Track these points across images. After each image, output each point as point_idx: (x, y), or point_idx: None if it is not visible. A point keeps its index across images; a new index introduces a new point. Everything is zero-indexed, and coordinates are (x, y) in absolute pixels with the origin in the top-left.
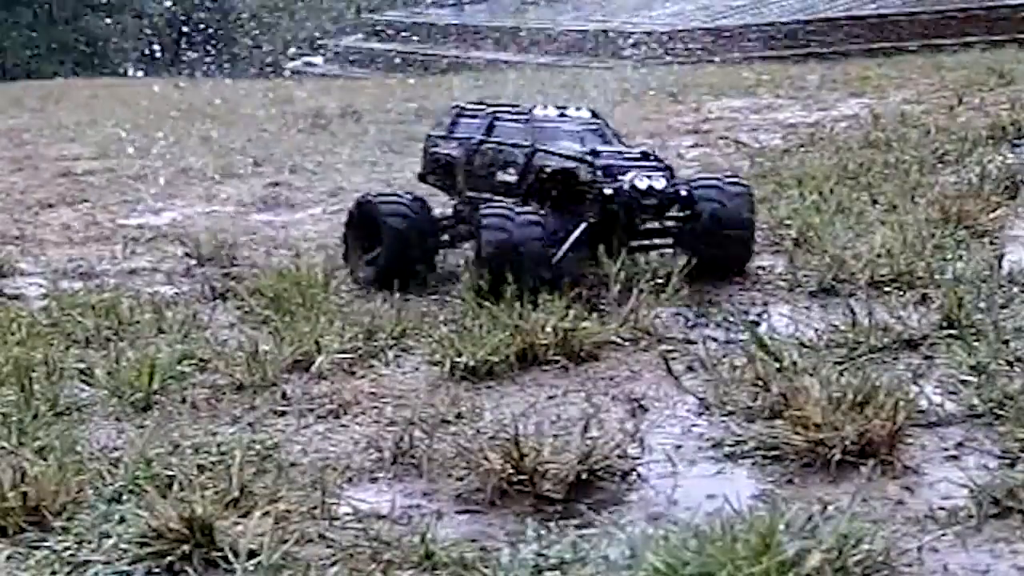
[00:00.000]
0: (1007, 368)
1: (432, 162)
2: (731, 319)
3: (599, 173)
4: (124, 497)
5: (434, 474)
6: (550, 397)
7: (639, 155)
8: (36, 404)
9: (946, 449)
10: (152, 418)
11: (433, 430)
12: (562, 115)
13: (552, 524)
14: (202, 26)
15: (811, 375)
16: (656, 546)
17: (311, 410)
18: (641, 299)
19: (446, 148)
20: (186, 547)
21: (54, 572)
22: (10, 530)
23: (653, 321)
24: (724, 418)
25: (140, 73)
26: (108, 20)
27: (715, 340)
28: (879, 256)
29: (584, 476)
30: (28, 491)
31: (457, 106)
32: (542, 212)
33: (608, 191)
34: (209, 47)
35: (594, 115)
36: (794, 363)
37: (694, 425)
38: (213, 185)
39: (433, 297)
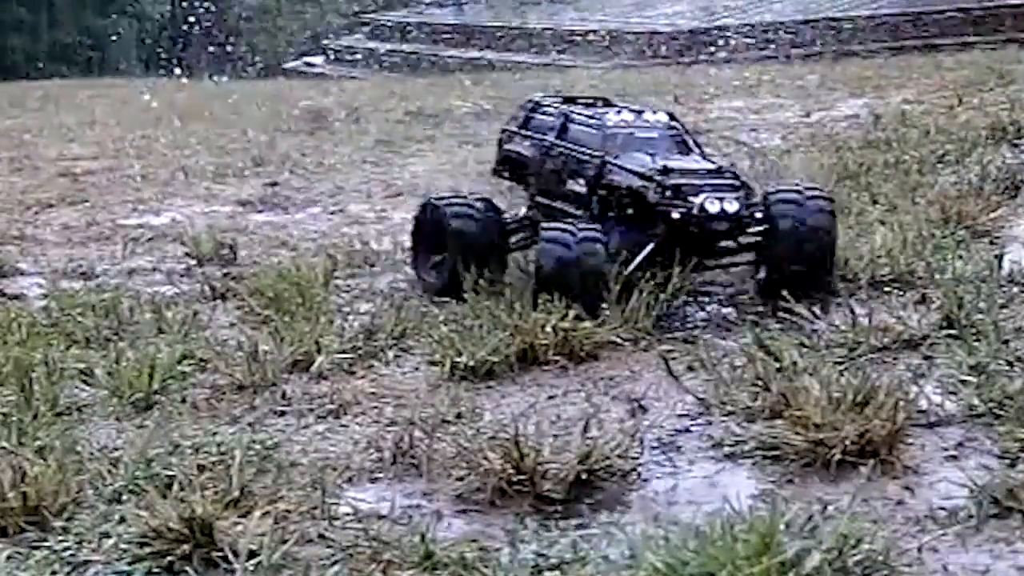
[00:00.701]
0: (1007, 368)
1: (505, 158)
2: (732, 320)
3: (667, 194)
4: (124, 497)
5: (434, 474)
6: (550, 397)
7: (714, 170)
8: (36, 404)
9: (946, 449)
10: (152, 418)
11: (433, 430)
12: (637, 119)
13: (552, 524)
14: (202, 26)
15: (811, 375)
16: (656, 546)
17: (311, 410)
18: (641, 300)
19: (519, 146)
20: (186, 547)
21: (54, 572)
22: (10, 530)
23: (649, 320)
24: (724, 418)
25: (140, 73)
26: (108, 20)
27: (718, 339)
28: (879, 256)
29: (584, 476)
30: (28, 491)
31: (532, 99)
32: (607, 228)
33: (676, 215)
34: (209, 47)
35: (671, 118)
36: (794, 363)
37: (694, 425)
38: (213, 185)
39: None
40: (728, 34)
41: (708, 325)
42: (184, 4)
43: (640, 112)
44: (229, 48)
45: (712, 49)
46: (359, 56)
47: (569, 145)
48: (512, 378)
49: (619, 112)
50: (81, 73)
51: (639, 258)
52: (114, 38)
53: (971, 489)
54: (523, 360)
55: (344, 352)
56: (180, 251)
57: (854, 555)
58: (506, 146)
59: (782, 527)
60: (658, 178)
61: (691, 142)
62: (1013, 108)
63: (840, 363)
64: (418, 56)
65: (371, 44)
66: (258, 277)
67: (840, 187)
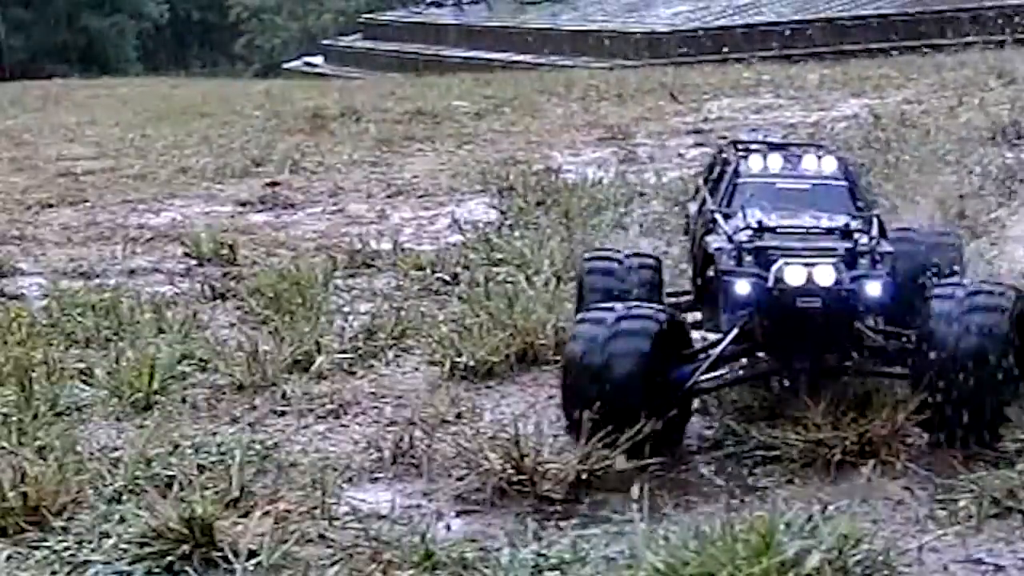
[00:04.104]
0: None
1: (685, 219)
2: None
3: (746, 260)
4: (124, 497)
5: (434, 474)
6: (550, 397)
7: (831, 230)
8: (36, 404)
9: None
10: (152, 418)
11: (433, 430)
12: (786, 167)
13: (552, 524)
14: (201, 26)
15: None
16: (656, 546)
17: (311, 410)
18: None
19: (690, 201)
20: (186, 547)
21: (54, 572)
22: (10, 530)
23: None
24: (724, 418)
25: (140, 73)
26: (108, 20)
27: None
28: None
29: (584, 476)
30: (28, 491)
31: (731, 141)
32: (706, 313)
33: (740, 286)
34: (208, 47)
35: (843, 167)
36: None
37: (694, 425)
38: (213, 185)
39: None
40: (728, 34)
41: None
42: (184, 3)
43: (799, 158)
44: (229, 48)
45: (712, 49)
46: (359, 56)
47: (706, 199)
48: (512, 378)
49: (766, 157)
50: (81, 73)
51: (710, 359)
52: (114, 38)
53: (971, 489)
54: (523, 360)
55: (344, 352)
56: (180, 251)
57: (854, 555)
58: (688, 202)
59: (782, 527)
60: (737, 238)
61: (863, 197)
62: (1013, 108)
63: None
64: (418, 56)
65: (371, 44)
66: (258, 277)
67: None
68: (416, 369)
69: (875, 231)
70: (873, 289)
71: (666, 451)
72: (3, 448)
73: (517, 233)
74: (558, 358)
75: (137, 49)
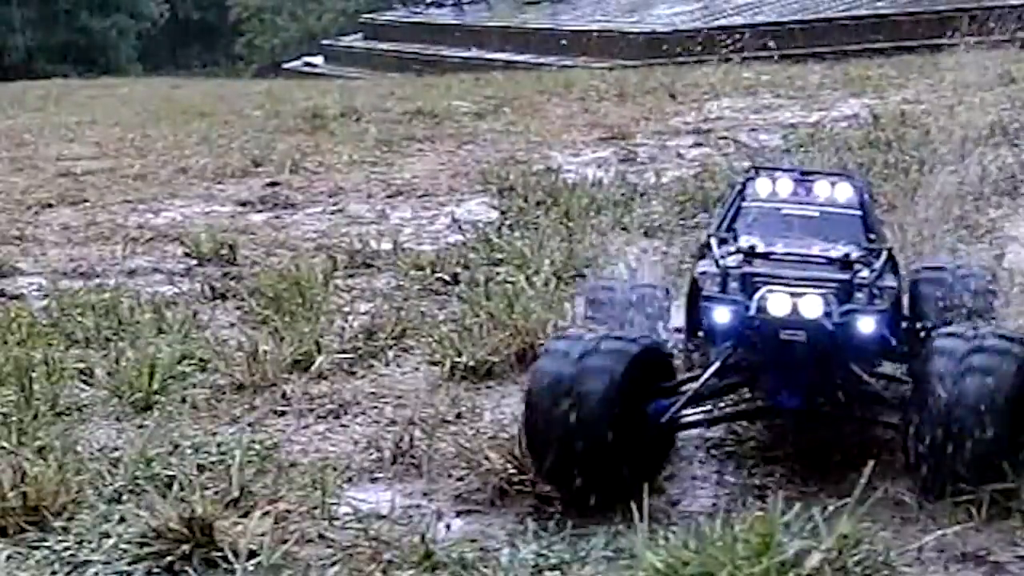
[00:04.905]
0: None
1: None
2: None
3: (731, 284)
4: (124, 497)
5: (434, 474)
6: None
7: (830, 260)
8: (36, 404)
9: None
10: (152, 418)
11: (433, 430)
12: (796, 193)
13: (552, 524)
14: (201, 26)
15: None
16: (656, 546)
17: (311, 410)
18: None
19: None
20: (186, 547)
21: (54, 572)
22: (10, 530)
23: None
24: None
25: (140, 73)
26: (107, 20)
27: None
28: None
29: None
30: (28, 491)
31: (753, 168)
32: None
33: (719, 314)
34: (208, 47)
35: (861, 194)
36: None
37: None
38: (212, 185)
39: None
40: (728, 34)
41: None
42: (183, 3)
43: (811, 183)
44: (229, 47)
45: (712, 49)
46: (359, 56)
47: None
48: (512, 378)
49: (775, 181)
50: (81, 73)
51: (686, 395)
52: (113, 38)
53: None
54: (523, 360)
55: (344, 352)
56: (180, 251)
57: (854, 555)
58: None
59: (782, 527)
60: (724, 263)
61: (877, 229)
62: (1013, 108)
63: None
64: (418, 56)
65: (371, 44)
66: (258, 277)
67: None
68: (416, 369)
69: (879, 263)
70: (866, 325)
71: (639, 489)
72: (3, 448)
73: (517, 233)
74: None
75: (137, 49)
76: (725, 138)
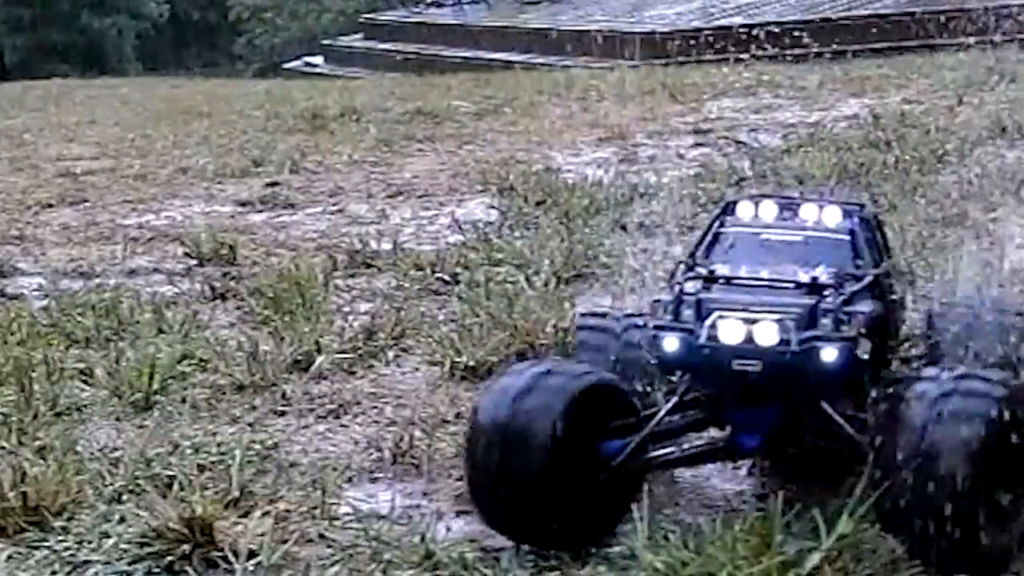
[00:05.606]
0: None
1: None
2: None
3: (685, 311)
4: (124, 497)
5: (434, 474)
6: None
7: (799, 284)
8: (36, 404)
9: None
10: (152, 418)
11: (433, 430)
12: (780, 218)
13: None
14: (201, 26)
15: None
16: (656, 546)
17: (311, 410)
18: None
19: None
20: (186, 547)
21: (54, 572)
22: (10, 530)
23: None
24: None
25: (140, 73)
26: (108, 20)
27: None
28: None
29: None
30: (28, 491)
31: (756, 195)
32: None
33: (668, 343)
34: (209, 47)
35: (858, 219)
36: None
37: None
38: (213, 185)
39: None
40: (728, 34)
41: None
42: (183, 3)
43: (796, 206)
44: (228, 47)
45: (712, 49)
46: (359, 56)
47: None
48: None
49: (758, 205)
50: (81, 72)
51: (647, 429)
52: (114, 38)
53: None
54: (523, 360)
55: (344, 352)
56: (180, 251)
57: (854, 555)
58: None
59: (782, 527)
60: (680, 288)
61: (863, 254)
62: (1013, 108)
63: None
64: (418, 56)
65: (370, 44)
66: (258, 277)
67: (840, 187)
68: (416, 369)
69: (853, 288)
70: (828, 355)
71: (597, 538)
72: (3, 448)
73: (517, 233)
74: (558, 358)
75: (137, 49)
76: (725, 138)
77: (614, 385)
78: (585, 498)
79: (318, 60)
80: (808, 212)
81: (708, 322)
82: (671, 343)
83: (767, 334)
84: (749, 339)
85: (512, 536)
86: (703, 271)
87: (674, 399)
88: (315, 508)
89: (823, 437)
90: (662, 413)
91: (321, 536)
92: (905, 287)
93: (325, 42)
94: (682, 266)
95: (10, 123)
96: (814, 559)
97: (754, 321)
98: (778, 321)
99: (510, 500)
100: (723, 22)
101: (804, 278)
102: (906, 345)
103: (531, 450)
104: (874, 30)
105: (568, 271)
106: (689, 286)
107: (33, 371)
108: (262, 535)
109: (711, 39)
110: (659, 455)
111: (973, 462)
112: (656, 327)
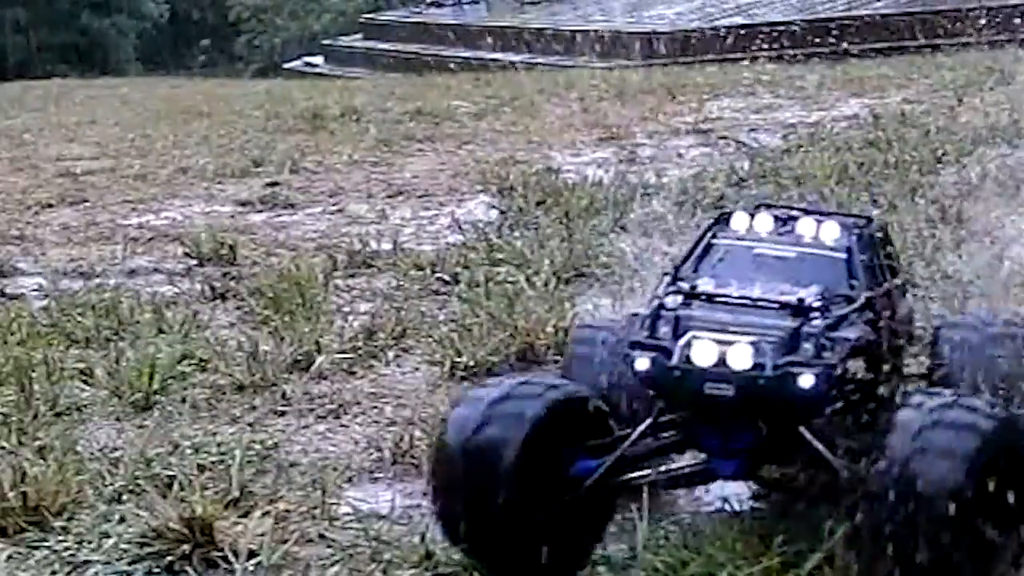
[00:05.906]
0: None
1: None
2: None
3: (661, 329)
4: (124, 497)
5: None
6: None
7: (783, 305)
8: (36, 404)
9: None
10: (152, 418)
11: (433, 430)
12: (774, 232)
13: None
14: (201, 26)
15: None
16: (656, 546)
17: (311, 410)
18: None
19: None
20: (186, 547)
21: (54, 572)
22: (10, 530)
23: None
24: None
25: (140, 73)
26: (107, 20)
27: None
28: None
29: None
30: (28, 491)
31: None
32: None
33: (639, 363)
34: (208, 46)
35: (860, 235)
36: None
37: None
38: (213, 185)
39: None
40: (728, 34)
41: None
42: (183, 3)
43: (792, 220)
44: (228, 47)
45: (712, 49)
46: (359, 56)
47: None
48: None
49: (753, 217)
50: (80, 73)
51: (620, 450)
52: (114, 38)
53: None
54: (523, 360)
55: (344, 352)
56: (180, 251)
57: (854, 555)
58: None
59: (782, 527)
60: (659, 302)
61: (858, 274)
62: (1013, 108)
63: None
64: (418, 56)
65: (370, 44)
66: (258, 277)
67: (840, 187)
68: (416, 369)
69: (842, 311)
70: (805, 381)
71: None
72: (3, 448)
73: (517, 233)
74: (558, 358)
75: (137, 49)
76: (725, 138)
77: (587, 402)
78: (553, 521)
79: (318, 60)
80: (805, 227)
81: (682, 342)
82: (643, 363)
83: (740, 357)
84: (722, 362)
85: (475, 556)
86: (685, 286)
87: (648, 420)
88: (315, 508)
89: (804, 462)
90: (636, 434)
91: (321, 536)
92: (911, 306)
93: (325, 42)
94: (666, 278)
95: (10, 123)
96: (814, 559)
97: (728, 343)
98: (753, 344)
99: (474, 521)
100: (723, 22)
101: (790, 298)
102: (910, 361)
103: (494, 468)
104: (874, 30)
105: (568, 271)
106: (669, 301)
107: (33, 371)
108: (262, 535)
109: (711, 39)
110: (632, 477)
111: (956, 500)
112: (630, 343)
